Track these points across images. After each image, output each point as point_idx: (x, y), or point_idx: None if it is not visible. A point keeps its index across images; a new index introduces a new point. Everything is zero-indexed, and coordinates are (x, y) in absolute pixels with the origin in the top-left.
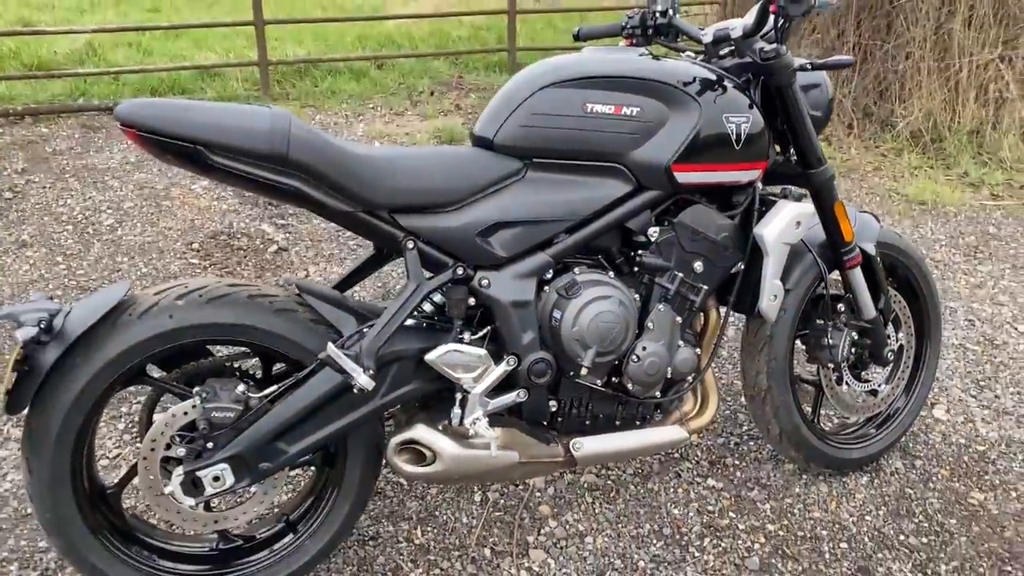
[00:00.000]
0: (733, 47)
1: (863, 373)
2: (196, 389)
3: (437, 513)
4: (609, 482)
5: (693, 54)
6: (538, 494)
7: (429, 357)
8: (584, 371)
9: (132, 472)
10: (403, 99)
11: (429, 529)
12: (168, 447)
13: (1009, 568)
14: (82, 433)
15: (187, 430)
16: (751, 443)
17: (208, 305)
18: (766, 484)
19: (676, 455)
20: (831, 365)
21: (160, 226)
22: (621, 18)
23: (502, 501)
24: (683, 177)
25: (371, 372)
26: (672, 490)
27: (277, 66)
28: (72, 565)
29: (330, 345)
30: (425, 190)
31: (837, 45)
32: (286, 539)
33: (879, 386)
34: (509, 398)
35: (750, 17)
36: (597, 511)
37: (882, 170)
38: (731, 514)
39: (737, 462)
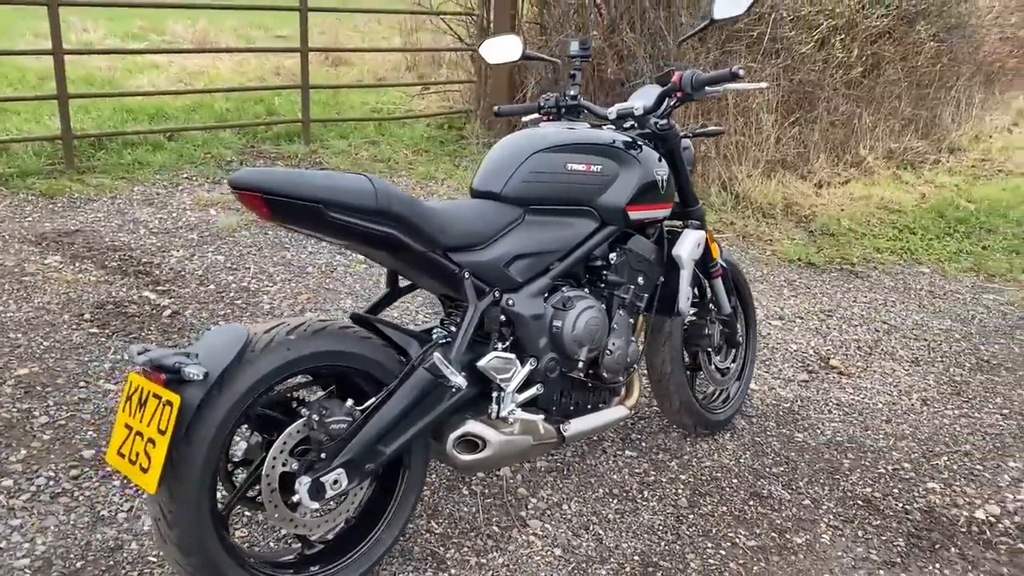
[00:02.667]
0: (634, 122)
1: (716, 356)
2: (304, 411)
3: (440, 508)
4: (559, 464)
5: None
6: (511, 481)
7: (480, 364)
8: (580, 365)
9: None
10: (214, 168)
11: (442, 521)
12: (284, 464)
13: (840, 477)
14: (217, 461)
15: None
16: (642, 422)
17: (313, 338)
18: (666, 448)
19: (595, 438)
20: (709, 349)
21: (35, 302)
22: (538, 100)
23: (486, 491)
24: (633, 215)
25: (464, 375)
26: (605, 463)
27: (81, 139)
28: None
29: (436, 355)
30: (468, 233)
31: None
32: (358, 542)
33: (729, 364)
34: (531, 392)
35: (648, 100)
36: (561, 486)
37: None
38: (652, 473)
39: (638, 436)
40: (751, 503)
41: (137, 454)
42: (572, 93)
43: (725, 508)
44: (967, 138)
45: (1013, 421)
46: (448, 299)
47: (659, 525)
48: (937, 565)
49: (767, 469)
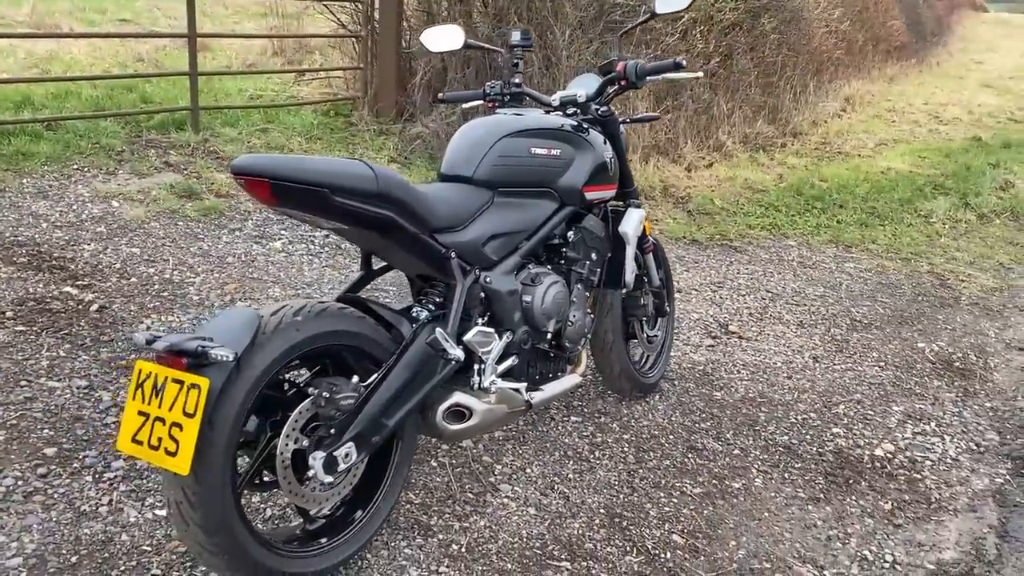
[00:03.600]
0: (577, 108)
1: (647, 325)
2: (311, 390)
3: (414, 480)
4: (515, 432)
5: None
6: (474, 451)
7: (466, 338)
8: (548, 336)
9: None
10: (104, 159)
11: (419, 492)
12: (296, 441)
13: (759, 428)
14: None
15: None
16: (580, 390)
17: (318, 318)
18: (605, 412)
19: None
20: (645, 319)
21: None
22: (483, 87)
23: (454, 461)
24: (589, 195)
25: (460, 348)
26: (555, 428)
27: None
28: (229, 561)
29: (439, 330)
30: (450, 215)
31: None
32: (359, 513)
33: (657, 332)
34: (508, 363)
35: (588, 88)
36: (520, 452)
37: None
38: (599, 435)
39: (579, 403)
40: (689, 455)
41: (159, 439)
42: (516, 80)
43: (668, 462)
44: (806, 123)
45: (889, 371)
46: (422, 279)
47: (614, 480)
48: (853, 497)
49: (696, 425)
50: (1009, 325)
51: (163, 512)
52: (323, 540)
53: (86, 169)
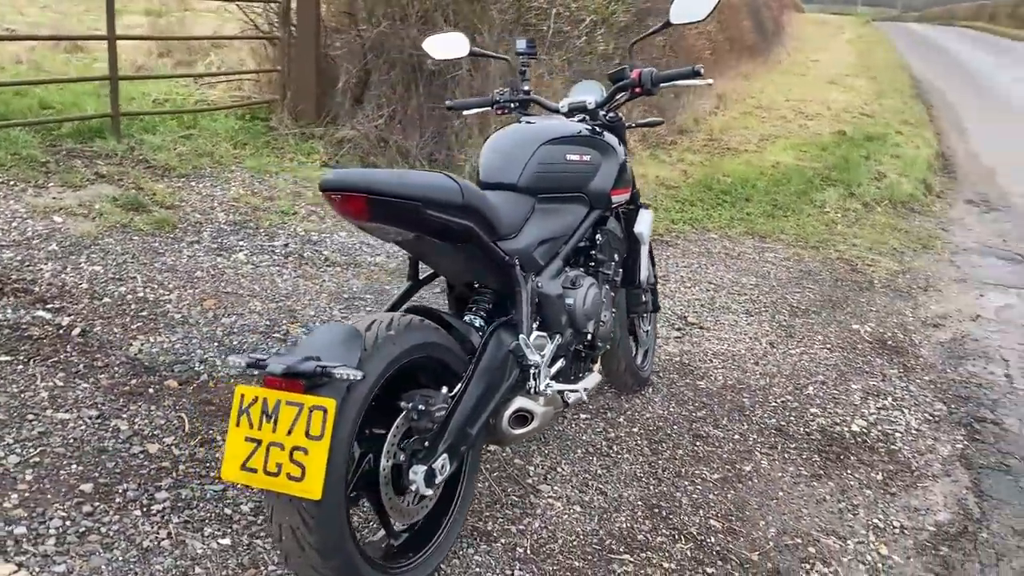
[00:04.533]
0: (585, 115)
1: (642, 320)
2: (402, 404)
3: None
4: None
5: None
6: (504, 455)
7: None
8: (589, 337)
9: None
10: (29, 171)
11: None
12: (394, 456)
13: (748, 413)
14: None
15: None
16: None
17: (407, 331)
18: (610, 408)
19: None
20: (645, 315)
21: None
22: (492, 94)
23: (489, 467)
24: (615, 199)
25: (539, 353)
26: (570, 427)
27: None
28: None
29: (521, 337)
30: (509, 224)
31: (398, 107)
32: (440, 524)
33: (649, 327)
34: (559, 365)
35: (594, 95)
36: (547, 452)
37: None
38: (611, 430)
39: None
40: (698, 443)
41: (279, 465)
42: (526, 88)
43: (681, 451)
44: (690, 120)
45: (837, 353)
46: (468, 286)
47: (639, 473)
48: (848, 471)
49: (694, 414)
50: (919, 304)
51: (227, 541)
52: (411, 554)
53: (12, 183)
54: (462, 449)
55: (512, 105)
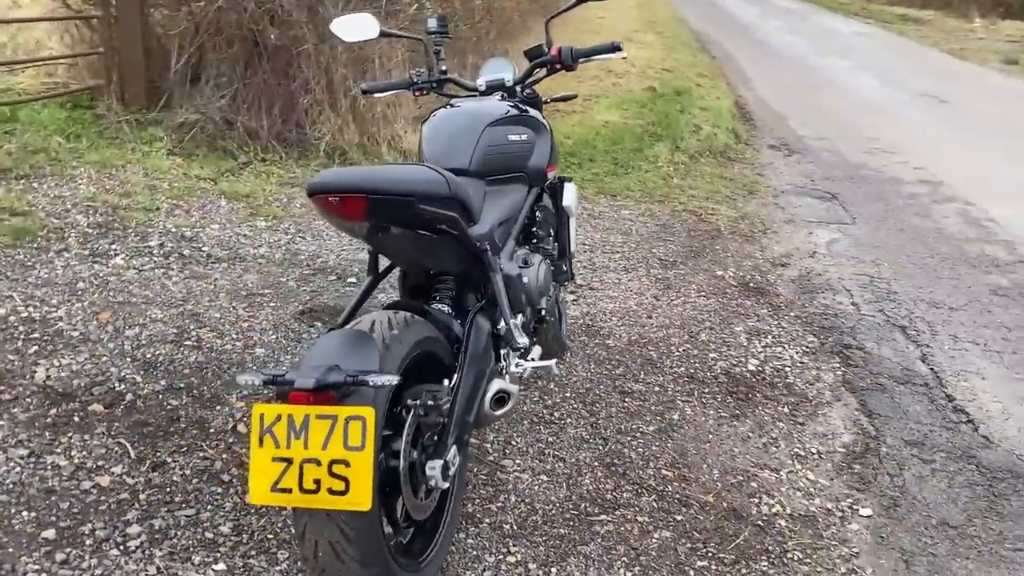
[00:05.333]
0: (504, 92)
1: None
2: (410, 402)
3: None
4: None
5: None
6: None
7: (500, 326)
8: (543, 313)
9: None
10: None
11: None
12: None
13: (659, 364)
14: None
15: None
16: None
17: (408, 329)
18: (538, 376)
19: None
20: (566, 283)
21: None
22: (408, 75)
23: None
24: (549, 175)
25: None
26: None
27: None
28: None
29: (512, 322)
30: (477, 210)
31: (240, 86)
32: (441, 517)
33: (564, 296)
34: (523, 343)
35: (509, 72)
36: (495, 427)
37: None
38: (546, 398)
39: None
40: (626, 400)
41: (317, 481)
42: (443, 68)
43: (614, 408)
44: None
45: (713, 299)
46: (426, 275)
47: (586, 435)
48: (759, 408)
49: (613, 372)
50: (764, 247)
51: (222, 567)
52: (422, 546)
53: None
54: (465, 438)
55: (432, 85)
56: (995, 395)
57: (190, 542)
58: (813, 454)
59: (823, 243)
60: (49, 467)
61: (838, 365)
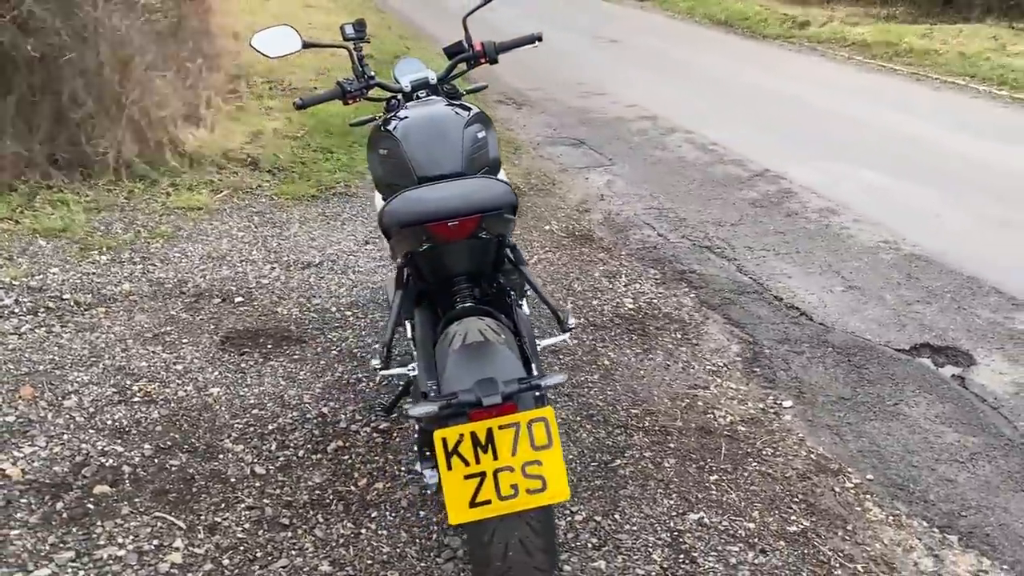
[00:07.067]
0: (427, 90)
1: None
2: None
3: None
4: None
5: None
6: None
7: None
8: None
9: None
10: None
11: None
12: None
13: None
14: None
15: None
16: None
17: (501, 331)
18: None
19: None
20: None
21: None
22: (340, 85)
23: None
24: (501, 169)
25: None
26: None
27: None
28: (551, 570)
29: (567, 309)
30: None
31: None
32: None
33: None
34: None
35: (424, 70)
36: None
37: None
38: None
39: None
40: (562, 356)
41: (514, 486)
42: (371, 73)
43: (558, 367)
44: (232, 66)
45: (559, 252)
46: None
47: (552, 396)
48: (659, 340)
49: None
50: (563, 196)
51: None
52: None
53: None
54: None
55: (362, 92)
56: (807, 289)
57: None
58: (722, 367)
59: (603, 185)
60: (110, 561)
61: (688, 289)
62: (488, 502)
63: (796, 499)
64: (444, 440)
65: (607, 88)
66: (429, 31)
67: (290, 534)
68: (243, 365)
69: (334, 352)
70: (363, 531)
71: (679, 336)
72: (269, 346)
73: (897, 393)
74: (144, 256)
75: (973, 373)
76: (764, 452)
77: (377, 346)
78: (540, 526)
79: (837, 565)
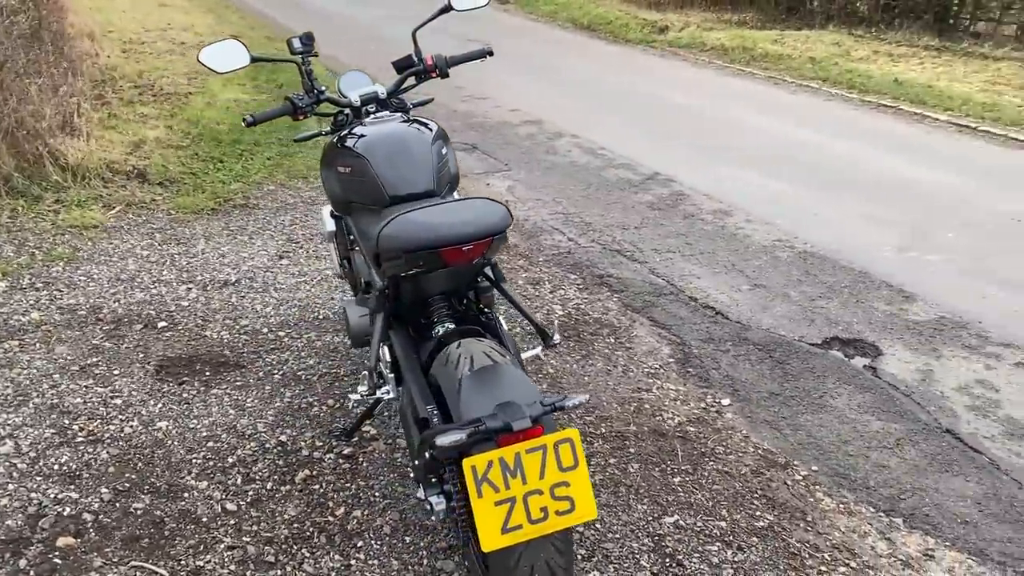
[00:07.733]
0: (377, 105)
1: None
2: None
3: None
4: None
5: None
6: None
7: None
8: None
9: None
10: None
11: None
12: None
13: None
14: None
15: None
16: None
17: (503, 349)
18: None
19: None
20: None
21: None
22: (290, 101)
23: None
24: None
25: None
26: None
27: None
28: None
29: (556, 327)
30: None
31: None
32: None
33: None
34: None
35: (369, 84)
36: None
37: None
38: None
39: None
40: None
41: (543, 509)
42: (321, 88)
43: None
44: (95, 71)
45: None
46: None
47: None
48: (596, 345)
49: None
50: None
51: None
52: None
53: None
54: None
55: (312, 108)
56: (716, 288)
57: None
58: (659, 369)
59: (504, 190)
60: None
61: (609, 293)
62: (520, 527)
63: (756, 495)
64: (473, 468)
65: (487, 92)
66: (299, 32)
67: (279, 572)
68: (185, 395)
69: (277, 376)
70: (352, 562)
71: (612, 340)
72: (207, 373)
73: (820, 386)
74: (47, 281)
75: (882, 363)
76: (717, 451)
77: (364, 373)
78: (563, 546)
79: (807, 556)
